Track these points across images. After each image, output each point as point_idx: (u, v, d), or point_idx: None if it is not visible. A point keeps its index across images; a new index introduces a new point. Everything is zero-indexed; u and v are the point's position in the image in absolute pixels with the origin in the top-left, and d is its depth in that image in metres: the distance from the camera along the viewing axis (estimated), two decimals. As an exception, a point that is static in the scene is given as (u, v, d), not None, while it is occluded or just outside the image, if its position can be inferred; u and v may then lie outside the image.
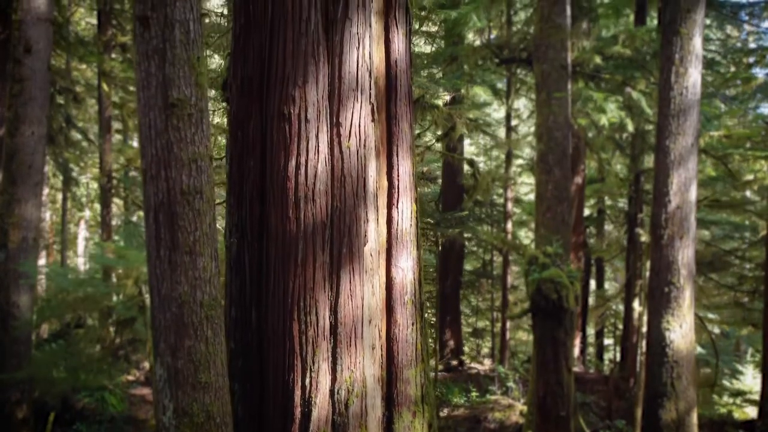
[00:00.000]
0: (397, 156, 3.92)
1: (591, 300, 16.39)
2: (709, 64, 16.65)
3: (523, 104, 15.38)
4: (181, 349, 3.03)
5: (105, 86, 10.39)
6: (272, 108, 3.52)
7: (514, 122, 14.39)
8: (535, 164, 8.70)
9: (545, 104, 8.56)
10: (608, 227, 18.40)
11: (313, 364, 3.37)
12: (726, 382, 19.42)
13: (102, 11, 11.65)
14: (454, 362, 14.12)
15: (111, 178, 11.30)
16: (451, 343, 14.80)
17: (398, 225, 3.87)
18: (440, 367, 13.22)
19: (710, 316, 16.02)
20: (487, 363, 14.91)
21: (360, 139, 3.53)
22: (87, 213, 28.73)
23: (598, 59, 8.48)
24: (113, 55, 13.03)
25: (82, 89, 16.68)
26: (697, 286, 13.36)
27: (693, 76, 7.45)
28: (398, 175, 3.90)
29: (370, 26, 3.67)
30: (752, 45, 16.63)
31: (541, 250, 6.81)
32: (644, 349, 9.10)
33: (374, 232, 3.70)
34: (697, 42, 7.46)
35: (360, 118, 3.54)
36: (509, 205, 12.76)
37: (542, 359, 6.84)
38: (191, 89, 3.07)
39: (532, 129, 14.97)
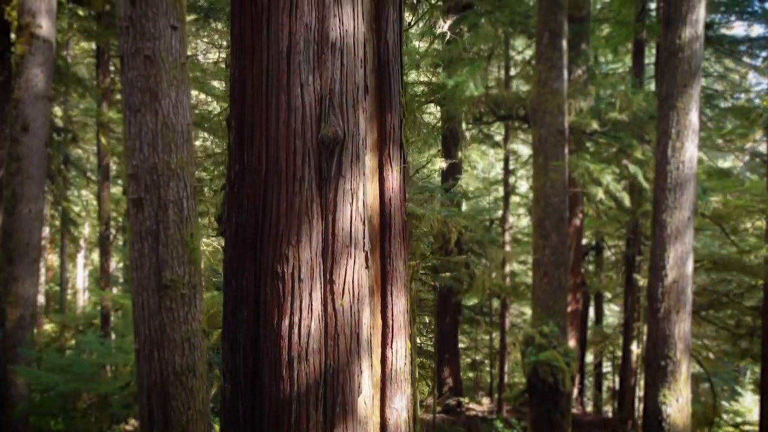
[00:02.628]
0: (392, 295, 3.93)
1: (589, 334, 16.40)
2: (708, 99, 16.73)
3: (520, 144, 15.41)
4: None
5: (103, 140, 10.40)
6: (266, 264, 3.53)
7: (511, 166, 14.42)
8: (533, 228, 8.72)
9: (542, 169, 8.58)
10: (607, 253, 18.41)
11: None
12: (725, 402, 19.41)
13: (101, 54, 11.64)
14: (452, 402, 14.12)
15: (109, 226, 11.30)
16: (450, 381, 14.79)
17: (392, 365, 3.89)
18: (438, 408, 13.22)
19: (707, 343, 16.02)
20: (486, 402, 14.91)
21: (353, 295, 3.54)
22: (86, 231, 28.68)
23: (595, 124, 8.49)
24: (112, 99, 13.07)
25: (79, 113, 16.68)
26: (695, 322, 13.38)
27: (689, 151, 7.47)
28: (392, 315, 3.91)
29: (364, 174, 3.69)
30: (752, 79, 16.68)
31: (538, 330, 6.81)
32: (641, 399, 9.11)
33: (368, 379, 3.71)
34: (694, 117, 7.47)
35: (353, 272, 3.55)
36: (507, 248, 12.77)
37: (539, 439, 6.85)
38: (184, 268, 3.08)
39: (529, 165, 15.00)
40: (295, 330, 3.43)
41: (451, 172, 8.68)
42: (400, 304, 3.93)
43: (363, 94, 3.72)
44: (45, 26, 7.20)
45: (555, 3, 8.68)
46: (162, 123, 3.02)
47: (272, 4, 3.55)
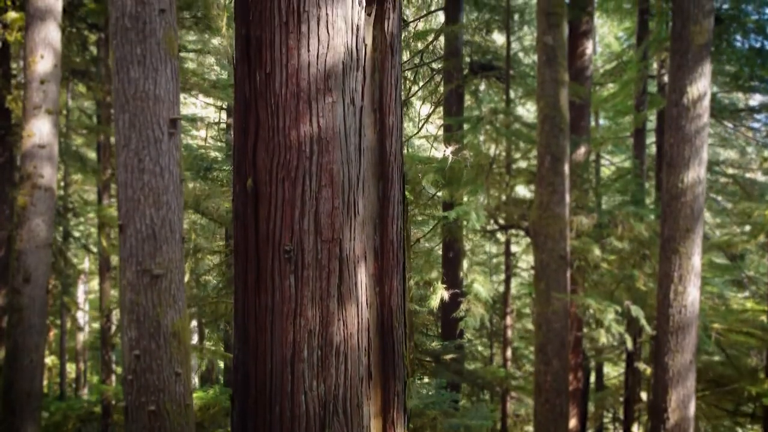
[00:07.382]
0: None
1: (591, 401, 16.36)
2: (709, 166, 16.75)
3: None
4: None
5: (104, 241, 10.41)
6: None
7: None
8: (535, 352, 8.71)
9: (544, 295, 8.56)
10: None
11: None
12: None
13: (102, 147, 11.65)
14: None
15: (110, 318, 11.30)
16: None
17: None
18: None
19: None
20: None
21: None
22: (86, 264, 28.54)
23: (597, 251, 8.49)
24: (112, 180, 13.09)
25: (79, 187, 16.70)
26: (696, 403, 13.32)
27: (692, 295, 7.46)
28: None
29: (368, 458, 3.67)
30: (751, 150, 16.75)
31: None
32: None
33: None
34: (696, 261, 7.47)
35: None
36: (509, 332, 12.76)
37: None
38: None
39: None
40: None
41: (455, 295, 8.67)
42: None
43: (367, 383, 3.70)
44: (47, 175, 7.20)
45: (556, 126, 8.68)
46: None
47: (276, 308, 3.53)
